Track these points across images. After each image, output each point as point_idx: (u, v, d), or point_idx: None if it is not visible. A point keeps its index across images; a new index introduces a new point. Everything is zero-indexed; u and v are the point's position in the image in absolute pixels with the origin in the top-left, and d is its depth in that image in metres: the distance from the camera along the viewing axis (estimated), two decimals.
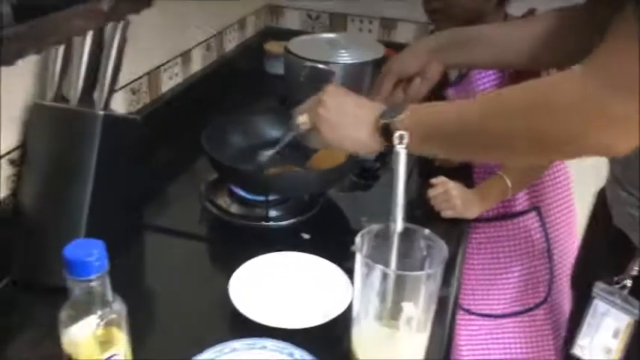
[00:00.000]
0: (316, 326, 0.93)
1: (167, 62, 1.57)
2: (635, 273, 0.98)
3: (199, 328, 0.95)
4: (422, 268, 0.83)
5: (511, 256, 1.50)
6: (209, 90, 1.70)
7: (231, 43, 1.91)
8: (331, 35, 1.73)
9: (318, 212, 1.24)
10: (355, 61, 1.59)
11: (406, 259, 0.84)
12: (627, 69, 0.68)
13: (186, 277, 1.08)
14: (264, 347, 0.87)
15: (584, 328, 1.02)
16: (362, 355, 0.85)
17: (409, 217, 0.83)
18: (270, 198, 1.23)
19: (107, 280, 0.70)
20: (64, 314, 0.70)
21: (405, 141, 0.81)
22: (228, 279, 1.00)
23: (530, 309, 1.52)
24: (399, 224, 0.82)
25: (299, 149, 1.12)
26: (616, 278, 0.99)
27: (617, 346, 0.99)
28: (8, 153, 1.05)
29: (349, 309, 0.90)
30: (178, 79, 1.62)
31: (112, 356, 0.72)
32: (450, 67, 1.25)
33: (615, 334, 0.99)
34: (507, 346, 1.55)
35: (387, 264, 0.83)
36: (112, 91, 1.06)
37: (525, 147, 0.78)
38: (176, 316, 0.98)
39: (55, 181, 1.02)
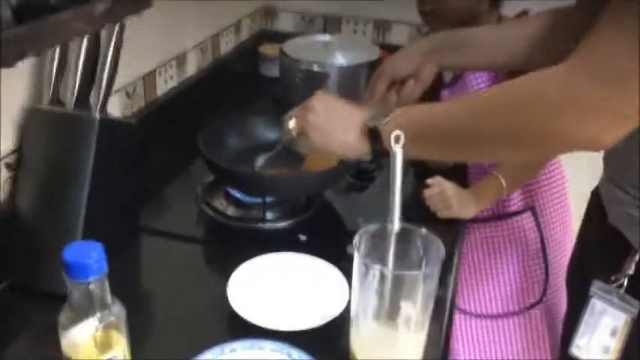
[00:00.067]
0: (314, 327, 0.93)
1: (162, 65, 1.57)
2: (631, 272, 0.98)
3: (197, 330, 0.95)
4: (419, 268, 0.84)
5: (506, 256, 1.50)
6: (204, 93, 1.70)
7: (226, 45, 1.91)
8: (326, 37, 1.73)
9: (314, 213, 1.24)
10: (351, 64, 1.60)
11: (403, 259, 0.84)
12: (611, 61, 0.69)
13: (184, 279, 1.08)
14: (263, 348, 0.87)
15: (582, 328, 1.02)
16: (361, 355, 0.85)
17: (405, 217, 0.83)
18: (267, 200, 1.23)
19: (106, 283, 0.70)
20: (63, 317, 0.70)
21: (402, 141, 0.81)
22: (226, 281, 1.00)
23: (526, 309, 1.52)
24: (396, 224, 0.83)
25: (294, 152, 1.13)
26: (613, 277, 1.00)
27: (615, 345, 0.99)
28: (5, 156, 1.05)
29: (347, 309, 0.91)
30: (173, 82, 1.62)
31: (111, 359, 0.72)
32: (444, 69, 1.25)
33: (613, 333, 0.99)
34: (503, 346, 1.55)
35: (384, 264, 0.83)
36: (108, 94, 1.07)
37: (515, 143, 0.79)
38: (174, 319, 0.98)
39: (51, 184, 1.02)
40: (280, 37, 1.83)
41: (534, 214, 1.48)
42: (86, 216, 0.99)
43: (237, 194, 1.25)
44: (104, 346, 0.71)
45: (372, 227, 0.85)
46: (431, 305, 0.83)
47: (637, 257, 0.98)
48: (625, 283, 0.99)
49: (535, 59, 1.10)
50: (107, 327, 0.71)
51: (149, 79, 1.51)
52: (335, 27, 2.11)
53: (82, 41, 1.04)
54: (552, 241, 1.50)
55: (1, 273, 1.01)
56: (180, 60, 1.65)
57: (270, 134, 1.35)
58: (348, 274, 0.97)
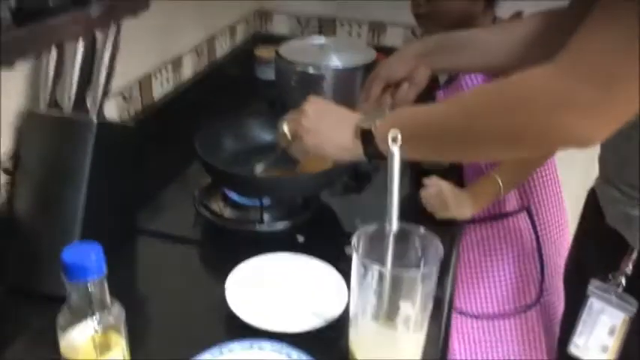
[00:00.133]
0: (313, 328, 0.93)
1: (158, 68, 1.57)
2: (629, 270, 0.98)
3: (196, 331, 0.95)
4: (418, 268, 0.84)
5: (502, 256, 1.50)
6: (200, 96, 1.70)
7: (221, 48, 1.91)
8: (322, 40, 1.73)
9: (312, 215, 1.24)
10: (346, 66, 1.60)
11: (402, 259, 0.84)
12: (600, 60, 0.70)
13: (182, 281, 1.08)
14: (262, 348, 0.87)
15: (580, 327, 1.02)
16: (360, 355, 0.85)
17: (402, 217, 0.84)
18: (264, 201, 1.23)
19: (105, 284, 0.70)
20: (61, 318, 0.70)
21: (399, 142, 0.82)
22: (224, 283, 1.00)
23: (523, 309, 1.52)
24: (394, 224, 0.83)
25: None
26: (610, 276, 1.00)
27: (614, 344, 0.99)
28: (2, 160, 1.05)
29: (346, 310, 0.91)
30: (170, 86, 1.63)
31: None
32: (438, 72, 1.26)
33: (611, 332, 0.99)
34: (499, 346, 1.55)
35: (383, 264, 0.83)
36: (105, 97, 1.07)
37: (508, 141, 0.80)
38: (172, 320, 0.98)
39: (49, 187, 1.01)
40: (275, 40, 1.84)
41: (530, 215, 1.48)
42: (84, 218, 0.99)
43: (234, 196, 1.25)
44: (103, 347, 0.70)
45: (370, 228, 0.85)
46: (430, 305, 0.83)
47: (634, 256, 0.98)
48: (623, 282, 0.99)
49: (530, 61, 1.09)
50: (106, 328, 0.70)
51: (145, 82, 1.51)
52: (330, 29, 2.12)
53: (78, 44, 1.04)
54: (548, 241, 1.51)
55: (0, 275, 1.00)
56: (176, 63, 1.65)
57: (266, 136, 1.36)
58: (346, 274, 0.97)
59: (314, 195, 1.28)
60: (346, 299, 0.95)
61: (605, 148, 1.06)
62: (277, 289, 1.02)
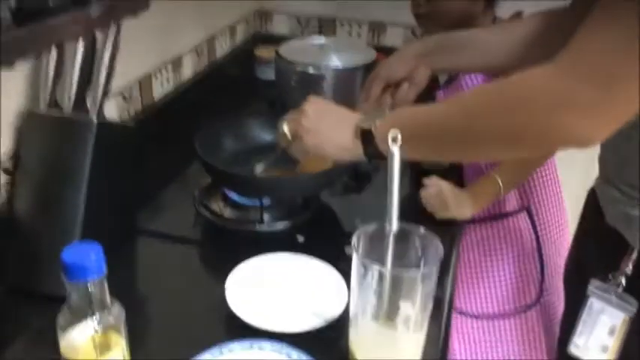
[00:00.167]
0: (313, 328, 0.93)
1: (158, 68, 1.57)
2: (629, 270, 0.98)
3: (196, 331, 0.95)
4: (418, 268, 0.84)
5: (502, 256, 1.50)
6: (200, 96, 1.70)
7: (221, 48, 1.91)
8: (322, 40, 1.73)
9: (311, 215, 1.24)
10: (346, 66, 1.60)
11: (402, 259, 0.84)
12: (600, 60, 0.70)
13: (182, 281, 1.08)
14: (262, 348, 0.87)
15: (580, 327, 1.02)
16: (360, 355, 0.85)
17: (402, 217, 0.84)
18: (264, 201, 1.23)
19: (105, 284, 0.70)
20: (61, 318, 0.70)
21: (399, 141, 0.82)
22: (224, 283, 1.00)
23: (523, 309, 1.52)
24: (394, 224, 0.83)
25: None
26: (610, 276, 1.00)
27: (614, 344, 0.99)
28: (2, 160, 1.05)
29: (346, 310, 0.91)
30: (169, 86, 1.62)
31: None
32: (438, 72, 1.26)
33: (611, 332, 0.99)
34: (499, 346, 1.55)
35: (383, 264, 0.83)
36: (105, 97, 1.07)
37: (508, 141, 0.80)
38: (172, 320, 0.98)
39: (49, 187, 1.01)
40: (275, 40, 1.84)
41: (530, 215, 1.48)
42: (84, 218, 0.99)
43: (234, 196, 1.25)
44: (103, 347, 0.70)
45: (370, 228, 0.85)
46: (430, 305, 0.83)
47: (634, 256, 0.98)
48: (623, 282, 0.99)
49: (530, 61, 1.09)
50: (106, 328, 0.70)
51: (145, 82, 1.51)
52: (330, 29, 2.11)
53: (78, 44, 1.04)
54: (548, 241, 1.50)
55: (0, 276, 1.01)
56: (176, 63, 1.65)
57: (266, 136, 1.36)
58: (346, 274, 0.97)
59: (314, 195, 1.28)
60: (346, 299, 0.95)
61: (605, 147, 1.06)
62: (277, 289, 1.02)
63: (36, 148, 1.04)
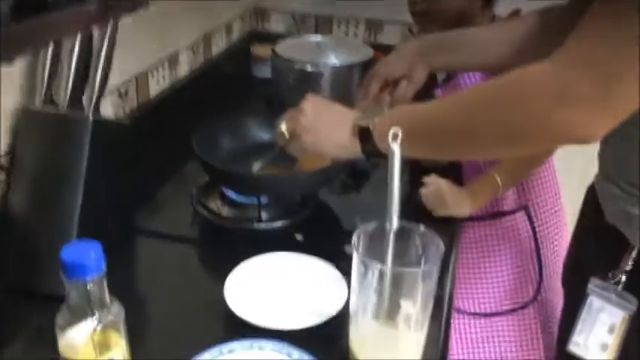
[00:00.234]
0: (313, 326, 0.92)
1: (154, 66, 1.56)
2: (629, 268, 0.98)
3: (195, 331, 0.94)
4: (418, 266, 0.83)
5: (500, 255, 1.50)
6: (197, 94, 1.69)
7: (217, 46, 1.90)
8: (319, 38, 1.73)
9: (310, 213, 1.24)
10: (343, 64, 1.60)
11: (402, 257, 0.84)
12: (596, 55, 0.70)
13: (180, 280, 1.07)
14: (263, 348, 0.86)
15: (580, 325, 1.02)
16: (361, 354, 0.85)
17: (401, 215, 0.83)
18: (262, 200, 1.22)
19: (104, 282, 0.69)
20: (60, 318, 0.69)
21: (400, 138, 0.81)
22: (223, 282, 0.99)
23: (520, 307, 1.52)
24: (394, 222, 0.82)
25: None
26: (610, 274, 1.00)
27: (613, 342, 0.99)
28: None
29: (345, 308, 0.90)
30: (166, 83, 1.62)
31: (110, 359, 0.71)
32: (436, 71, 1.26)
33: (611, 330, 0.99)
34: (497, 345, 1.55)
35: (383, 262, 0.83)
36: (101, 94, 1.06)
37: (506, 138, 0.80)
38: (171, 320, 0.97)
39: (45, 185, 1.01)
40: (272, 38, 1.83)
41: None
42: (80, 217, 0.98)
43: (233, 194, 1.25)
44: (103, 346, 0.70)
45: (370, 226, 0.85)
46: (430, 304, 0.82)
47: (634, 254, 0.98)
48: (622, 280, 0.99)
49: (528, 59, 1.09)
50: (106, 327, 0.70)
51: (141, 80, 1.50)
52: (326, 27, 2.11)
53: (75, 42, 1.03)
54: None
55: None
56: (173, 61, 1.64)
57: (263, 135, 1.35)
58: (345, 272, 0.97)
59: (312, 193, 1.27)
60: (345, 297, 0.94)
61: (605, 145, 1.06)
62: (276, 287, 1.01)
63: (32, 145, 1.03)
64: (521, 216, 1.48)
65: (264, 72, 1.83)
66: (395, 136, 0.82)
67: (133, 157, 1.15)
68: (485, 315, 1.53)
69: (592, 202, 1.10)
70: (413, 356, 0.84)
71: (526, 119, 0.76)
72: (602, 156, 1.06)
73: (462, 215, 1.25)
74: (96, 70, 1.05)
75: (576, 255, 1.20)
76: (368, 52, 1.65)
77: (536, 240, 1.49)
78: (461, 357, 1.55)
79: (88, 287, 0.67)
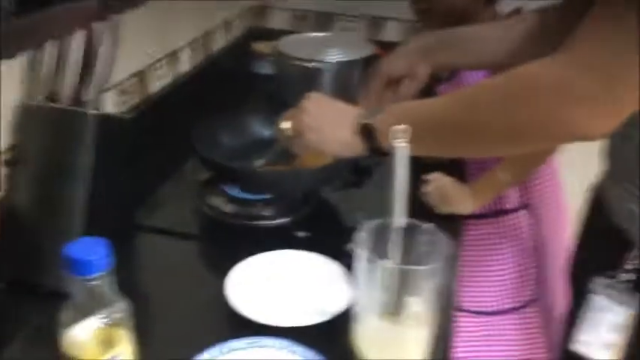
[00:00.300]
0: (316, 324, 0.92)
1: (155, 63, 1.55)
2: (633, 267, 0.98)
3: (198, 328, 0.94)
4: (424, 264, 0.83)
5: (502, 253, 1.50)
6: (197, 90, 1.69)
7: (218, 43, 1.90)
8: (320, 34, 1.73)
9: (312, 210, 1.23)
10: (345, 60, 1.59)
11: (408, 255, 0.84)
12: (600, 51, 0.70)
13: (182, 277, 1.06)
14: (266, 346, 0.86)
15: (584, 324, 1.02)
16: (366, 351, 0.84)
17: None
18: (264, 197, 1.22)
19: (111, 279, 0.69)
20: (65, 315, 0.69)
21: (408, 135, 0.81)
22: (224, 278, 0.99)
23: (522, 306, 1.52)
24: (401, 219, 0.82)
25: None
26: (614, 273, 0.99)
27: (618, 340, 0.99)
28: (1, 153, 1.03)
29: (350, 306, 0.90)
30: (166, 80, 1.61)
31: (114, 357, 0.70)
32: (439, 69, 1.25)
33: (615, 329, 0.99)
34: (498, 343, 1.55)
35: (389, 259, 0.82)
36: (102, 90, 1.05)
37: (510, 135, 0.80)
38: (173, 317, 0.97)
39: (48, 181, 1.00)
40: (272, 35, 1.83)
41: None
42: (84, 213, 0.97)
43: (234, 191, 1.24)
44: (108, 343, 0.69)
45: (375, 223, 0.84)
46: (436, 302, 0.82)
47: (638, 252, 0.98)
48: (626, 279, 0.99)
49: (530, 57, 1.09)
50: (113, 324, 0.69)
51: (142, 76, 1.50)
52: (327, 24, 2.11)
53: (77, 37, 1.02)
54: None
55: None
56: (173, 58, 1.64)
57: (263, 131, 1.35)
58: (349, 270, 0.96)
59: (317, 190, 1.27)
60: (350, 295, 0.94)
61: (609, 143, 1.06)
62: (279, 285, 1.01)
63: (34, 140, 1.02)
64: (523, 214, 1.48)
65: (265, 68, 1.82)
66: (400, 133, 0.82)
67: (134, 153, 1.14)
68: (487, 313, 1.52)
69: (595, 200, 1.10)
70: (418, 354, 0.84)
71: (529, 116, 0.75)
72: (606, 155, 1.06)
73: (464, 212, 1.24)
74: (98, 66, 1.04)
75: (580, 254, 1.20)
76: (369, 49, 1.65)
77: (538, 238, 1.48)
78: (463, 355, 1.54)
79: (96, 284, 0.67)
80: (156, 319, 0.96)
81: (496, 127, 0.80)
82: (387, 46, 1.28)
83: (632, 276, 0.98)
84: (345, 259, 0.98)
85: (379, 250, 0.82)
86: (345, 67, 1.59)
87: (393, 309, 0.81)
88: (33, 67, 1.06)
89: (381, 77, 1.16)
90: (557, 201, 1.52)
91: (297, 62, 1.58)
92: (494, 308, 1.51)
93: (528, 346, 1.52)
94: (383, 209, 0.83)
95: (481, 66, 1.23)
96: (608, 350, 0.99)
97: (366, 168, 1.35)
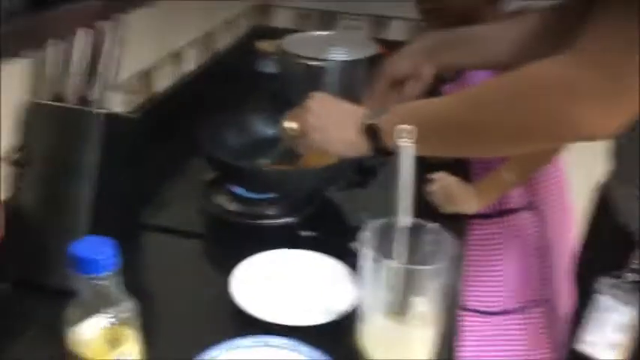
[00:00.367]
0: (322, 323, 0.92)
1: (159, 62, 1.55)
2: (639, 267, 0.98)
3: (203, 326, 0.94)
4: (430, 263, 0.83)
5: (506, 253, 1.50)
6: (202, 89, 1.69)
7: (222, 42, 1.90)
8: (324, 33, 1.73)
9: (316, 210, 1.23)
10: (349, 59, 1.59)
11: (413, 254, 0.84)
12: (609, 48, 0.70)
13: (187, 276, 1.07)
14: (271, 345, 0.86)
15: (590, 324, 1.02)
16: (371, 351, 0.84)
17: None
18: (269, 196, 1.22)
19: (118, 278, 0.69)
20: (71, 313, 0.69)
21: (413, 135, 0.81)
22: (229, 277, 0.99)
23: (527, 306, 1.51)
24: (406, 219, 0.82)
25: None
26: (619, 272, 0.99)
27: (623, 340, 0.99)
28: (7, 153, 1.03)
29: (355, 305, 0.90)
30: (171, 79, 1.61)
31: (121, 356, 0.70)
32: (443, 69, 1.25)
33: (621, 329, 0.99)
34: (503, 343, 1.55)
35: (393, 259, 0.82)
36: (109, 89, 1.05)
37: (514, 134, 0.80)
38: (179, 316, 0.97)
39: (55, 180, 1.00)
40: (276, 33, 1.83)
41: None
42: (90, 212, 0.98)
43: (239, 190, 1.24)
44: (115, 342, 0.69)
45: (380, 222, 0.84)
46: (442, 301, 0.82)
47: None
48: (632, 279, 0.99)
49: (535, 57, 1.10)
50: (119, 323, 0.69)
51: (147, 75, 1.50)
52: (331, 22, 2.11)
53: (82, 37, 1.02)
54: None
55: (3, 269, 0.99)
56: (178, 57, 1.64)
57: (268, 130, 1.35)
58: (354, 269, 0.96)
59: (320, 189, 1.27)
60: (355, 294, 0.94)
61: (614, 143, 1.06)
62: (283, 284, 1.01)
63: (41, 140, 1.02)
64: (527, 214, 1.48)
65: (269, 67, 1.82)
66: (405, 132, 0.82)
67: (139, 152, 1.14)
68: (492, 313, 1.52)
69: (601, 200, 1.10)
70: (423, 354, 0.84)
71: (535, 115, 0.75)
72: (613, 154, 1.06)
73: (469, 212, 1.24)
74: (104, 65, 1.04)
75: (586, 253, 1.20)
76: (373, 48, 1.65)
77: (542, 238, 1.48)
78: (468, 355, 1.54)
79: (102, 284, 0.67)
80: (161, 317, 0.96)
81: (501, 126, 0.80)
82: (392, 45, 1.28)
83: (637, 276, 0.98)
84: (349, 258, 0.98)
85: (384, 249, 0.82)
86: (349, 65, 1.60)
87: (399, 309, 0.81)
88: (38, 66, 1.06)
89: (385, 78, 1.16)
90: (563, 201, 1.52)
91: (301, 61, 1.58)
92: (500, 308, 1.51)
93: (533, 347, 1.52)
94: (388, 209, 0.83)
95: (486, 66, 1.23)
96: (614, 350, 0.99)
97: (370, 168, 1.35)
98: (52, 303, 0.76)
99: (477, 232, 1.48)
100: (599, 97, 0.70)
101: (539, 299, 1.51)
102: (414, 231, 0.84)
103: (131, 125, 1.12)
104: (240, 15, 2.02)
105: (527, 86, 0.77)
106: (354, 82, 1.58)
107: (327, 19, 2.11)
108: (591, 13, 0.72)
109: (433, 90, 1.20)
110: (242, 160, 1.25)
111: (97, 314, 0.68)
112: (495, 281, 1.50)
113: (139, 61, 1.46)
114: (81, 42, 1.03)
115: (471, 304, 1.52)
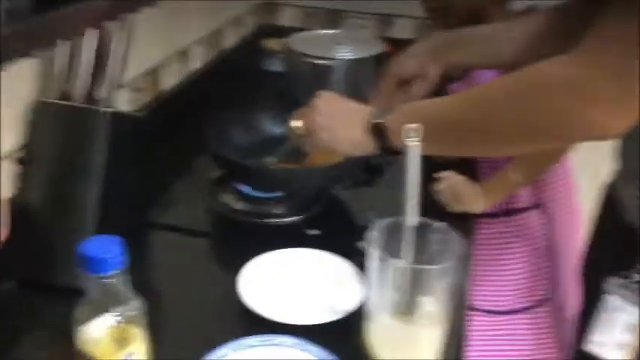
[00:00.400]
0: (329, 322, 0.91)
1: (166, 60, 1.55)
2: None
3: (210, 325, 0.94)
4: (437, 263, 0.83)
5: (513, 252, 1.50)
6: (208, 87, 1.69)
7: (228, 40, 1.90)
8: (331, 31, 1.73)
9: (323, 208, 1.23)
10: (356, 57, 1.59)
11: (420, 254, 0.84)
12: (617, 48, 0.70)
13: (194, 274, 1.07)
14: (278, 344, 0.86)
15: (598, 325, 1.01)
16: (378, 350, 0.84)
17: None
18: (276, 194, 1.22)
19: (126, 277, 0.69)
20: (79, 312, 0.69)
21: (420, 134, 0.81)
22: (236, 276, 0.99)
23: (534, 306, 1.51)
24: (413, 218, 0.82)
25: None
26: (627, 273, 0.99)
27: (631, 341, 0.98)
28: (14, 151, 1.04)
29: (362, 305, 0.89)
30: (177, 78, 1.61)
31: (129, 354, 0.71)
32: (449, 69, 1.25)
33: (629, 329, 0.98)
34: (510, 343, 1.54)
35: (401, 258, 0.82)
36: (116, 88, 1.06)
37: (522, 132, 0.79)
38: (186, 315, 0.97)
39: (62, 179, 1.00)
40: (282, 32, 1.83)
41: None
42: (97, 211, 0.98)
43: (245, 189, 1.24)
44: (123, 341, 0.70)
45: (387, 221, 0.84)
46: (449, 301, 0.82)
47: None
48: None
49: (541, 56, 1.09)
50: (127, 322, 0.70)
51: (154, 74, 1.50)
52: (337, 21, 2.10)
53: (91, 35, 1.03)
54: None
55: (10, 268, 0.99)
56: (184, 55, 1.64)
57: (274, 129, 1.35)
58: (361, 268, 0.96)
59: (327, 188, 1.27)
60: (362, 294, 0.94)
61: (621, 142, 1.05)
62: (291, 283, 1.01)
63: (48, 138, 1.03)
64: (535, 213, 1.47)
65: (275, 66, 1.82)
66: (413, 131, 0.81)
67: (146, 151, 1.14)
68: (499, 312, 1.52)
69: (609, 199, 1.10)
70: (431, 353, 0.84)
71: (541, 115, 0.75)
72: (620, 154, 1.06)
73: (476, 211, 1.24)
74: (112, 64, 1.04)
75: (593, 253, 1.20)
76: (379, 46, 1.64)
77: (550, 238, 1.48)
78: (476, 354, 1.54)
79: (110, 282, 0.67)
80: (168, 316, 0.96)
81: (508, 126, 0.80)
82: (398, 44, 1.28)
83: None
84: (356, 257, 0.98)
85: (391, 249, 0.82)
86: (355, 64, 1.59)
87: (406, 308, 0.81)
88: (46, 66, 1.06)
89: (391, 78, 1.15)
90: (570, 200, 1.52)
91: (308, 59, 1.58)
92: (507, 307, 1.51)
93: (539, 346, 1.52)
94: (394, 208, 0.83)
95: (491, 66, 1.23)
96: (622, 350, 0.99)
97: (377, 167, 1.35)
98: (58, 302, 0.76)
99: (484, 231, 1.48)
100: (605, 97, 0.70)
101: (546, 299, 1.50)
102: (421, 230, 0.84)
103: (138, 124, 1.12)
104: (247, 13, 2.02)
105: (532, 86, 0.77)
106: (360, 81, 1.57)
107: (333, 18, 2.11)
108: (595, 14, 0.72)
109: (439, 89, 1.20)
110: (248, 159, 1.24)
111: (105, 313, 0.68)
112: (502, 280, 1.50)
113: (145, 59, 1.46)
114: (88, 42, 1.04)
115: (479, 303, 1.52)
